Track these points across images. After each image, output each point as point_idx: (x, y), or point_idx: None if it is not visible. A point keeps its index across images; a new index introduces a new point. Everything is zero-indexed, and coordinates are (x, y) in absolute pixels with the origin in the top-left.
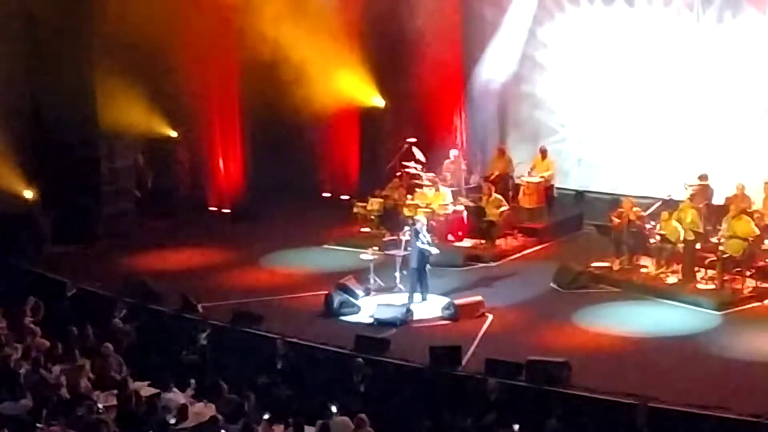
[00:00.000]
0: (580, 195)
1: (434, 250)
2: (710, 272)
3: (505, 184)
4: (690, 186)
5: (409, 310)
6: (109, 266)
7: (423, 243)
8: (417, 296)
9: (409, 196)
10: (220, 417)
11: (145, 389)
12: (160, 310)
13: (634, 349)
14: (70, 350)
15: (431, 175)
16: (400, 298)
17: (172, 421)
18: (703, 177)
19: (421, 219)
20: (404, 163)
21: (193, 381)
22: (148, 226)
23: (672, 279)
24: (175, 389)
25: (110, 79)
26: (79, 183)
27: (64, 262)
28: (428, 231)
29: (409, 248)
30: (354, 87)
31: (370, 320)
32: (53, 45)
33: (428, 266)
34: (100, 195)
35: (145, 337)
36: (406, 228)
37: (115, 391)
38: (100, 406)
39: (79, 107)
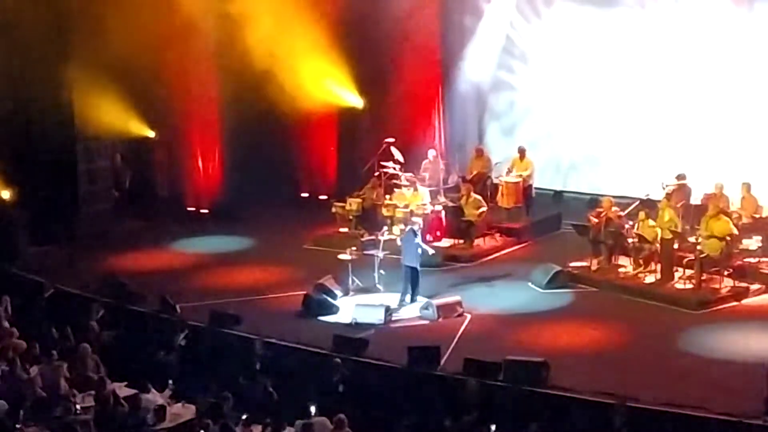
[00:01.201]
0: (558, 195)
1: (431, 251)
2: (688, 272)
3: (483, 184)
4: (668, 186)
5: (388, 311)
6: (86, 267)
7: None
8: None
9: (387, 197)
10: (198, 418)
11: (123, 390)
12: (138, 310)
13: (613, 349)
14: (47, 351)
15: (409, 175)
16: (378, 299)
17: (151, 421)
18: (680, 176)
19: (418, 220)
20: (382, 163)
21: (171, 382)
22: (126, 227)
23: (650, 278)
24: (153, 390)
25: (88, 80)
26: (57, 183)
27: (41, 262)
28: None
29: (386, 249)
30: (333, 87)
31: (349, 321)
32: (31, 47)
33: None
34: (78, 195)
35: (122, 337)
36: (385, 228)
37: (93, 392)
38: (78, 406)
39: (57, 108)
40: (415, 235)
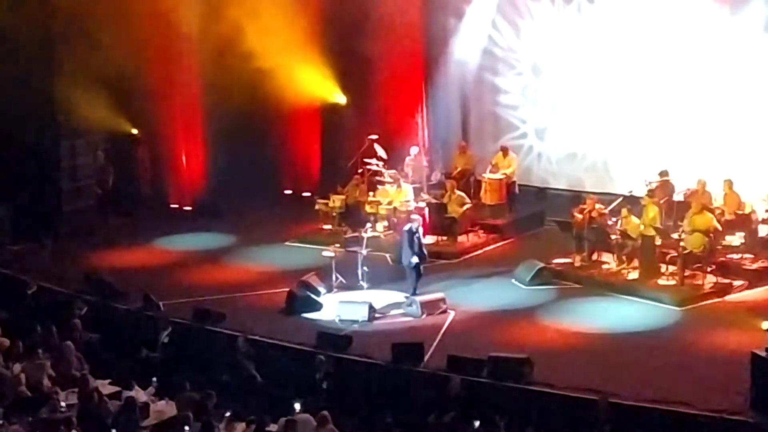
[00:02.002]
0: (541, 191)
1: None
2: (671, 268)
3: (466, 181)
4: (650, 182)
5: (371, 307)
6: (69, 264)
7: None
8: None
9: (370, 193)
10: (181, 415)
11: (107, 387)
12: (121, 308)
13: (596, 345)
14: (31, 348)
15: (393, 171)
16: (362, 296)
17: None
18: (663, 173)
19: (417, 218)
20: (366, 160)
21: (154, 379)
22: (109, 224)
23: (633, 275)
24: (136, 387)
25: (71, 78)
26: (40, 180)
27: (24, 259)
28: (393, 228)
29: (369, 246)
30: (316, 84)
31: (333, 318)
32: (13, 43)
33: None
34: (61, 193)
35: (106, 334)
36: (369, 225)
37: (76, 390)
38: (62, 404)
39: (40, 105)
40: (413, 233)
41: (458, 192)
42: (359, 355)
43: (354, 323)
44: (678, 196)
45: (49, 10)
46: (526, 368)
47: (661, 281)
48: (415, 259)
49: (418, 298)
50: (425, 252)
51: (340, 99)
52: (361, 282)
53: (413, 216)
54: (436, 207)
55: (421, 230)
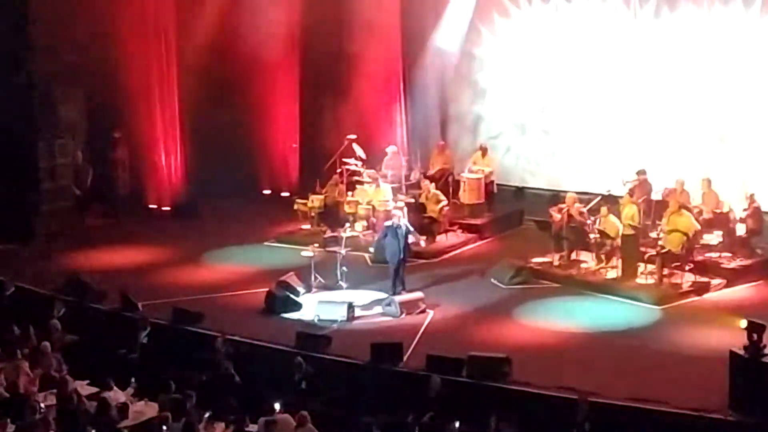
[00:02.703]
0: (520, 191)
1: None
2: (650, 267)
3: (445, 180)
4: (628, 182)
5: (350, 307)
6: (48, 265)
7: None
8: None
9: (349, 193)
10: (161, 415)
11: (85, 388)
12: (100, 308)
13: (575, 344)
14: (9, 349)
15: (371, 171)
16: (341, 296)
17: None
18: (641, 172)
19: (399, 213)
20: (344, 160)
21: (133, 379)
22: (87, 224)
23: (612, 274)
24: (115, 388)
25: (50, 78)
26: (18, 181)
27: (2, 260)
28: (372, 228)
29: (348, 246)
30: (295, 84)
31: (312, 317)
32: None
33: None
34: (39, 193)
35: (84, 335)
36: (347, 225)
37: (55, 391)
38: (41, 405)
39: (18, 105)
40: (398, 231)
41: (436, 191)
42: (339, 355)
43: (333, 323)
44: (656, 195)
45: (27, 11)
46: (505, 368)
47: (640, 280)
48: (400, 256)
49: (397, 298)
50: (409, 249)
51: (319, 99)
52: (340, 282)
53: (394, 211)
54: (415, 207)
55: (404, 225)
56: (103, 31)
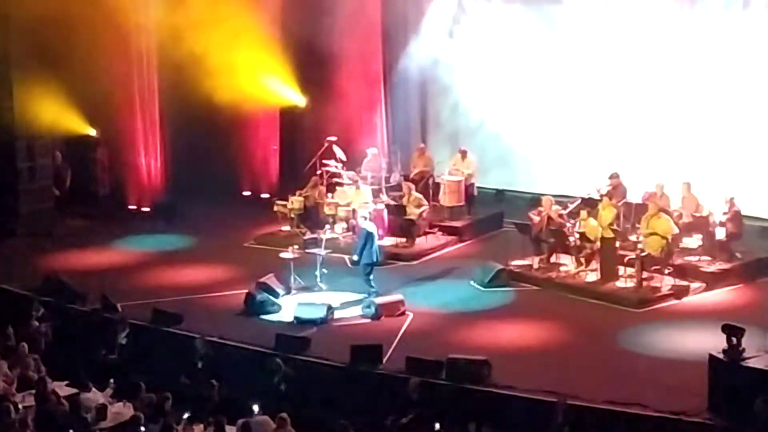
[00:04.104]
0: (500, 194)
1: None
2: (629, 270)
3: (425, 182)
4: (601, 189)
5: (330, 308)
6: (27, 265)
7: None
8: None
9: (329, 195)
10: (139, 416)
11: (64, 389)
12: (79, 309)
13: (554, 347)
14: None
15: (351, 173)
16: (320, 297)
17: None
18: (613, 176)
19: (364, 213)
20: (325, 161)
21: (112, 380)
22: (66, 225)
23: (591, 277)
24: (94, 389)
25: (28, 78)
26: None
27: None
28: (352, 230)
29: (328, 248)
30: (274, 85)
31: (291, 319)
32: None
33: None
34: (18, 194)
35: (63, 336)
36: (327, 227)
37: (33, 391)
38: (19, 406)
39: None
40: (371, 233)
41: (416, 194)
42: (318, 357)
43: (312, 325)
44: (636, 199)
45: (3, 7)
46: (484, 370)
47: (620, 283)
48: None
49: (377, 300)
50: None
51: (299, 100)
52: (320, 284)
53: (362, 214)
54: (395, 209)
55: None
56: (83, 32)
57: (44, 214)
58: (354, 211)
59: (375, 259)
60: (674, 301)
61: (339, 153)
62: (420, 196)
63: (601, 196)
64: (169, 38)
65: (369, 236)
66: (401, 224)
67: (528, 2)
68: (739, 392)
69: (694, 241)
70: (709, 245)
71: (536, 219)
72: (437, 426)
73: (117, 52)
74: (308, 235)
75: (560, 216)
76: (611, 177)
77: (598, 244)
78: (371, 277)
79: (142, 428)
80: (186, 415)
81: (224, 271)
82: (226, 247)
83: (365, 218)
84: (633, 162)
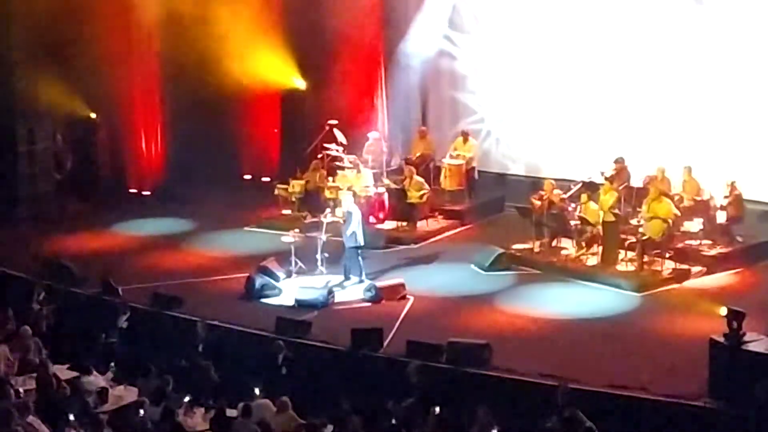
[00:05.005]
0: (501, 177)
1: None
2: (630, 254)
3: (426, 166)
4: (605, 173)
5: (330, 292)
6: (28, 249)
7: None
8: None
9: (330, 179)
10: (140, 400)
11: (65, 372)
12: (79, 292)
13: (555, 331)
14: None
15: (352, 157)
16: (321, 281)
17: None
18: (618, 160)
19: (349, 194)
20: (325, 145)
21: (113, 364)
22: (67, 209)
23: (592, 261)
24: (95, 372)
25: (29, 61)
26: None
27: None
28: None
29: (329, 231)
30: (275, 69)
31: (292, 302)
32: None
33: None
34: (19, 177)
35: (64, 320)
36: (328, 210)
37: (34, 375)
38: (20, 390)
39: None
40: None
41: (417, 177)
42: (319, 340)
43: (313, 308)
44: (638, 183)
45: None
46: (485, 354)
47: (620, 267)
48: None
49: (378, 284)
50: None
51: (300, 84)
52: (321, 267)
53: (344, 197)
54: (396, 192)
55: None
56: (84, 14)
57: (45, 198)
58: (355, 194)
59: (361, 243)
60: (675, 285)
61: (340, 137)
62: (421, 179)
63: (606, 179)
64: (170, 22)
65: (355, 218)
66: (402, 208)
67: None
68: (740, 376)
69: (695, 224)
70: (710, 229)
71: (537, 203)
72: (437, 409)
73: (118, 36)
74: (309, 219)
75: (561, 200)
76: (616, 161)
77: (599, 228)
78: (361, 261)
79: (142, 411)
80: (187, 399)
81: (225, 255)
82: (227, 230)
83: (351, 201)
84: (634, 146)
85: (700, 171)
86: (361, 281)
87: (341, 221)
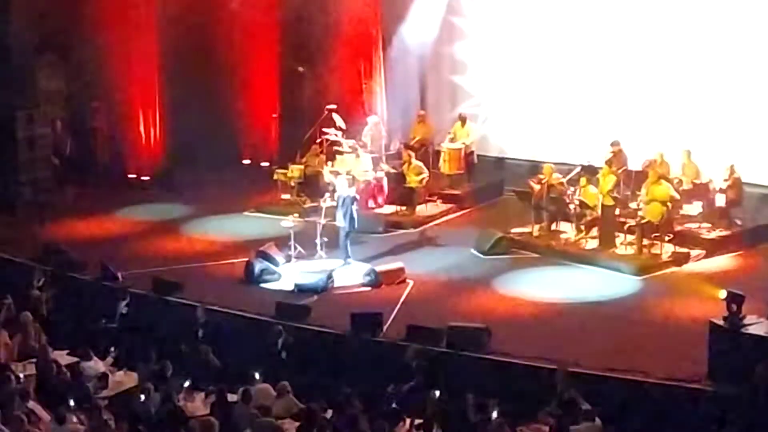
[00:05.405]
0: (500, 161)
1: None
2: (629, 237)
3: (425, 150)
4: (605, 157)
5: (330, 277)
6: (27, 234)
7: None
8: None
9: (329, 163)
10: (140, 385)
11: (65, 358)
12: (79, 278)
13: (554, 314)
14: None
15: (351, 141)
16: (320, 265)
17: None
18: (614, 143)
19: (341, 178)
20: (324, 129)
21: (113, 349)
22: (66, 194)
23: (591, 244)
24: (95, 358)
25: (28, 47)
26: None
27: None
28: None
29: (328, 216)
30: (274, 53)
31: (291, 287)
32: None
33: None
34: (18, 163)
35: (64, 305)
36: (327, 195)
37: (34, 360)
38: (20, 375)
39: None
40: (353, 200)
41: (416, 162)
42: (318, 325)
43: (313, 293)
44: (637, 166)
45: None
46: (484, 338)
47: (620, 250)
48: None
49: (377, 268)
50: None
51: (299, 69)
52: (320, 252)
53: (339, 180)
54: (395, 177)
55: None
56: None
57: (44, 183)
58: (354, 179)
59: (353, 227)
60: (674, 268)
61: (339, 121)
62: (420, 163)
63: (605, 162)
64: (170, 6)
65: (350, 202)
66: (401, 192)
67: None
68: (739, 359)
69: (694, 208)
70: (709, 212)
71: (536, 186)
72: (437, 393)
73: (117, 22)
74: (308, 204)
75: (560, 183)
76: (612, 144)
77: (598, 211)
78: (348, 243)
79: (142, 396)
80: (186, 384)
81: (224, 240)
82: (226, 215)
83: (345, 185)
84: (633, 129)
85: (700, 154)
86: (346, 264)
87: (334, 205)
